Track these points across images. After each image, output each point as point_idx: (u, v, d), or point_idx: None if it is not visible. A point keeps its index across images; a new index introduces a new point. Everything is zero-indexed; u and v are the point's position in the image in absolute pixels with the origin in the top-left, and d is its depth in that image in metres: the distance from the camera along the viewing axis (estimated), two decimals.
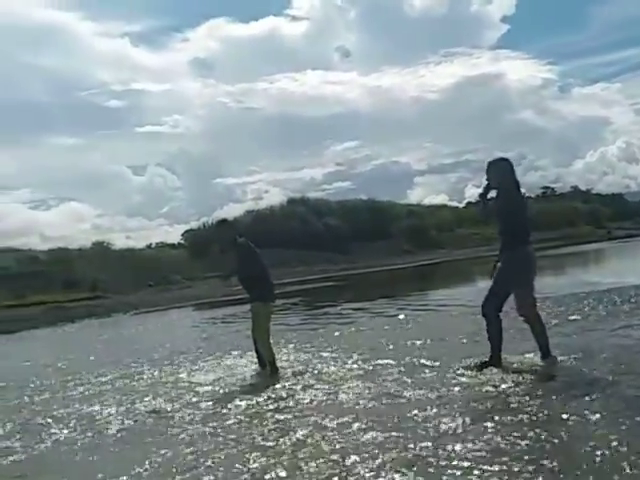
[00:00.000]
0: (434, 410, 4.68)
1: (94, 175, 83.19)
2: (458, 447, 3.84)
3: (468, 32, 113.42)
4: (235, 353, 8.61)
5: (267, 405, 5.54)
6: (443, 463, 3.64)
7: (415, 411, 4.71)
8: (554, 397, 4.72)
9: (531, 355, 6.03)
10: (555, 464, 3.46)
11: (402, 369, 6.27)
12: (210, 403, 5.86)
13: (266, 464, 3.99)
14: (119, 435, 5.17)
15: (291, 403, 5.51)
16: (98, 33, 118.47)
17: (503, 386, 5.17)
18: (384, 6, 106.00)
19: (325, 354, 7.71)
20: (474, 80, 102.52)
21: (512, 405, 4.65)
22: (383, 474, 3.60)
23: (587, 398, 4.58)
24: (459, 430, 4.19)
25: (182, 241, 54.37)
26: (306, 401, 5.51)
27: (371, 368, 6.52)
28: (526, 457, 3.58)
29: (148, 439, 4.93)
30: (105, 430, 5.35)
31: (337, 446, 4.16)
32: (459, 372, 5.80)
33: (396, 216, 57.95)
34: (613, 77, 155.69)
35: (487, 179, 5.89)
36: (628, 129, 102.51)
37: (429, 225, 58.06)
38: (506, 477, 3.37)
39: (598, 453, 3.54)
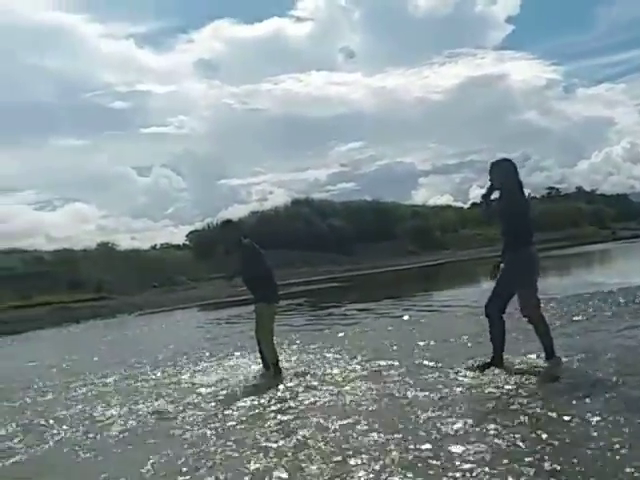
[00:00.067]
0: (436, 411, 4.67)
1: (99, 176, 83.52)
2: (460, 449, 3.83)
3: (472, 33, 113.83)
4: (239, 354, 8.62)
5: (269, 406, 5.53)
6: (445, 465, 3.63)
7: (417, 412, 4.69)
8: (557, 398, 4.69)
9: (534, 356, 6.02)
10: (557, 466, 3.44)
11: (405, 370, 6.26)
12: (212, 404, 5.86)
13: (268, 465, 3.99)
14: (121, 436, 5.17)
15: (294, 404, 5.50)
16: (103, 35, 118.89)
17: (506, 387, 5.15)
18: (388, 7, 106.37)
19: (329, 355, 7.71)
20: (478, 81, 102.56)
21: (514, 407, 4.63)
22: (385, 476, 3.59)
23: (590, 400, 4.55)
24: (461, 432, 4.17)
25: (187, 242, 54.55)
26: (308, 402, 5.50)
27: (374, 369, 6.51)
28: (528, 459, 3.57)
29: (150, 440, 4.93)
30: (107, 431, 5.35)
31: (339, 447, 4.15)
32: (462, 373, 5.78)
33: (400, 217, 57.99)
34: (618, 78, 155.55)
35: (490, 180, 5.88)
36: (633, 129, 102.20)
37: (433, 226, 58.09)
38: (508, 479, 3.35)
39: (601, 455, 3.52)
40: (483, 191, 6.02)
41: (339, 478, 3.64)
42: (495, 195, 5.92)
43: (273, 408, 5.45)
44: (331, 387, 5.93)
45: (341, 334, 9.69)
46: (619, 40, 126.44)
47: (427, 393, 5.23)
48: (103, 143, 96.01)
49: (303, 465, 3.91)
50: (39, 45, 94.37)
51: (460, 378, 5.62)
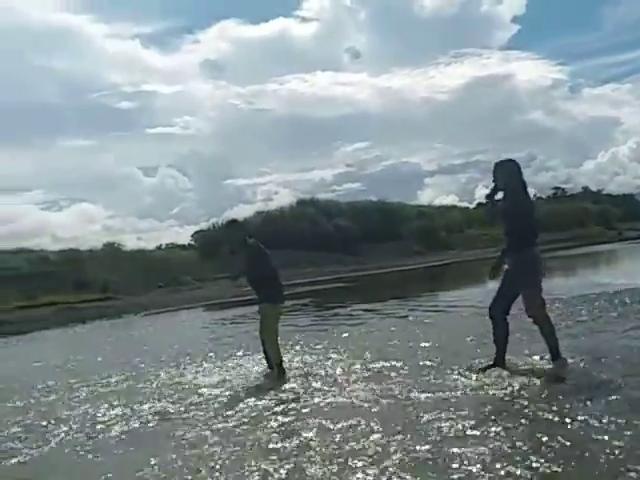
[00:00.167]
0: (438, 413, 4.64)
1: (105, 176, 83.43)
2: (462, 450, 3.80)
3: (478, 33, 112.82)
4: (242, 354, 8.61)
5: (272, 407, 5.52)
6: (446, 466, 3.61)
7: (420, 414, 4.67)
8: (560, 400, 4.66)
9: (538, 357, 5.98)
10: (558, 469, 3.41)
11: (408, 371, 6.23)
12: (215, 405, 5.85)
13: (270, 467, 3.97)
14: (123, 437, 5.17)
15: (296, 405, 5.49)
16: (109, 35, 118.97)
17: (509, 389, 5.12)
18: (394, 7, 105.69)
19: (333, 355, 7.69)
20: (484, 81, 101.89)
21: (517, 408, 4.60)
22: (386, 477, 3.57)
23: (594, 401, 4.52)
24: (463, 434, 4.15)
25: (192, 242, 54.52)
26: (311, 403, 5.48)
27: (377, 370, 6.49)
28: (527, 462, 3.54)
29: (152, 441, 4.92)
30: (109, 432, 5.35)
31: (341, 449, 4.13)
32: (465, 374, 5.75)
33: (406, 217, 57.86)
34: (624, 77, 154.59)
35: (494, 180, 5.85)
36: (639, 129, 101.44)
37: (439, 226, 57.94)
38: None
39: (603, 457, 3.49)
40: (487, 191, 5.99)
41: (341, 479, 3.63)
42: (499, 195, 5.89)
43: (276, 409, 5.43)
44: (334, 388, 5.91)
45: (346, 334, 9.67)
46: (625, 40, 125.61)
47: (429, 394, 5.21)
48: (109, 143, 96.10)
49: (305, 466, 3.90)
50: (46, 46, 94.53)
51: (463, 379, 5.60)
